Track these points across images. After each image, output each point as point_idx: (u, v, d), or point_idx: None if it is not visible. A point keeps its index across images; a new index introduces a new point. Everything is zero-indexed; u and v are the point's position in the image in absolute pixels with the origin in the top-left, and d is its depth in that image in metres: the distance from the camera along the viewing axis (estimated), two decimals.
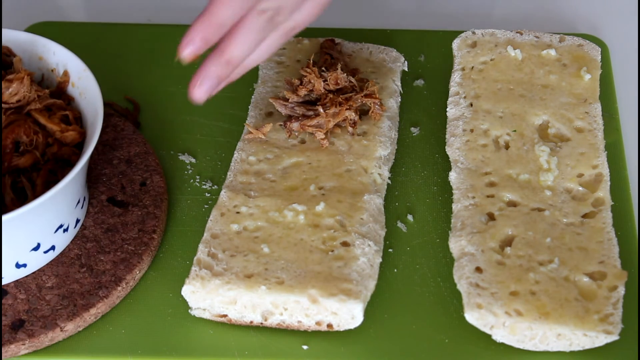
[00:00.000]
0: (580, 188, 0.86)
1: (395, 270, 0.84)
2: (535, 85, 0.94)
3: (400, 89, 0.97)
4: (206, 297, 0.79)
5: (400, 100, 0.96)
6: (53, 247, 0.82)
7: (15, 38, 0.88)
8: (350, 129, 0.89)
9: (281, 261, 0.80)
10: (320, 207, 0.84)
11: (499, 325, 0.77)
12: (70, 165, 0.80)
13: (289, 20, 0.77)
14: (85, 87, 0.84)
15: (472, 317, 0.77)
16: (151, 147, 0.93)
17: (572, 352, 0.77)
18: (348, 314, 0.77)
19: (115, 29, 1.07)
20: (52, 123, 0.81)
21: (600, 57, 0.97)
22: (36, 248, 0.81)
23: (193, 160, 0.94)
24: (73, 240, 0.85)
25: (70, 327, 0.79)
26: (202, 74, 0.77)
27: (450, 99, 0.94)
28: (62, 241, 0.83)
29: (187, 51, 0.74)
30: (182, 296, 0.80)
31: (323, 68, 0.93)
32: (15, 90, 0.81)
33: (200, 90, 0.77)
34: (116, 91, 0.99)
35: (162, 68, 1.02)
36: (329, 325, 0.79)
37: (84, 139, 0.82)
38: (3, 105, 0.81)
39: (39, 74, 0.88)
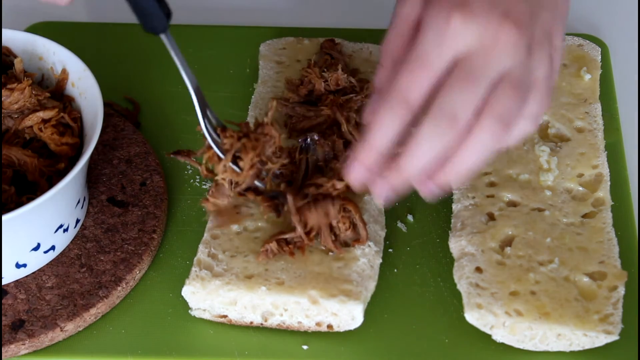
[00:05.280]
0: (580, 188, 0.86)
1: (395, 271, 0.84)
2: None
3: None
4: (206, 297, 0.79)
5: None
6: (53, 247, 0.82)
7: (15, 38, 0.88)
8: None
9: (281, 262, 0.80)
10: None
11: (499, 325, 0.77)
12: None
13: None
14: (85, 87, 0.84)
15: (472, 317, 0.77)
16: (151, 147, 0.93)
17: (572, 352, 0.77)
18: (348, 315, 0.77)
19: (115, 29, 1.07)
20: (51, 141, 0.82)
21: (600, 57, 0.97)
22: (36, 248, 0.81)
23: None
24: (73, 240, 0.85)
25: (70, 327, 0.79)
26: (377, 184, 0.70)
27: None
28: (62, 241, 0.83)
29: (354, 181, 0.71)
30: (182, 296, 0.80)
31: (324, 68, 0.92)
32: (16, 100, 0.81)
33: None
34: (116, 91, 0.99)
35: (162, 68, 1.02)
36: (329, 326, 0.79)
37: (81, 145, 0.83)
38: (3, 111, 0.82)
39: (39, 74, 0.88)
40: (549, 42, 0.69)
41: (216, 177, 0.77)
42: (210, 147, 0.76)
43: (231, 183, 0.77)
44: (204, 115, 0.76)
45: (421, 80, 0.67)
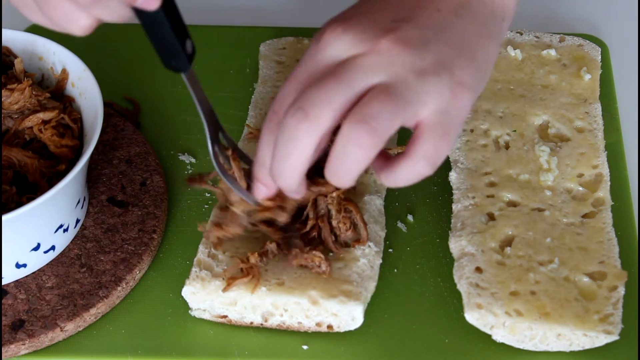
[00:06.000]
0: (580, 188, 0.86)
1: (396, 271, 0.84)
2: (535, 85, 0.94)
3: None
4: (206, 298, 0.79)
5: None
6: (53, 247, 0.82)
7: (15, 38, 0.88)
8: None
9: (281, 262, 0.80)
10: None
11: (499, 325, 0.77)
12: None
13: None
14: (85, 87, 0.84)
15: (472, 317, 0.77)
16: (151, 147, 0.93)
17: (572, 352, 0.77)
18: (348, 316, 0.77)
19: (115, 29, 1.06)
20: (51, 142, 0.82)
21: (600, 57, 0.97)
22: (36, 248, 0.81)
23: (193, 160, 0.94)
24: (73, 240, 0.85)
25: (70, 327, 0.79)
26: None
27: None
28: (62, 241, 0.83)
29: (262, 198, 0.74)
30: (182, 296, 0.80)
31: None
32: (16, 100, 0.82)
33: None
34: (116, 91, 0.99)
35: (162, 68, 1.01)
36: (329, 327, 0.79)
37: (81, 145, 0.83)
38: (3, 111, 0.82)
39: (39, 74, 0.88)
40: (449, 74, 0.65)
41: (232, 208, 0.76)
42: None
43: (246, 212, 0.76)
44: (215, 142, 0.73)
45: (289, 94, 0.67)
